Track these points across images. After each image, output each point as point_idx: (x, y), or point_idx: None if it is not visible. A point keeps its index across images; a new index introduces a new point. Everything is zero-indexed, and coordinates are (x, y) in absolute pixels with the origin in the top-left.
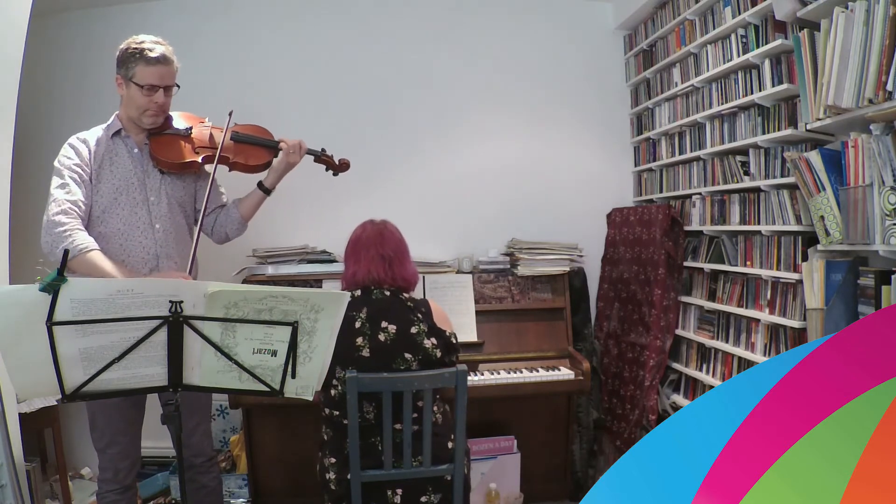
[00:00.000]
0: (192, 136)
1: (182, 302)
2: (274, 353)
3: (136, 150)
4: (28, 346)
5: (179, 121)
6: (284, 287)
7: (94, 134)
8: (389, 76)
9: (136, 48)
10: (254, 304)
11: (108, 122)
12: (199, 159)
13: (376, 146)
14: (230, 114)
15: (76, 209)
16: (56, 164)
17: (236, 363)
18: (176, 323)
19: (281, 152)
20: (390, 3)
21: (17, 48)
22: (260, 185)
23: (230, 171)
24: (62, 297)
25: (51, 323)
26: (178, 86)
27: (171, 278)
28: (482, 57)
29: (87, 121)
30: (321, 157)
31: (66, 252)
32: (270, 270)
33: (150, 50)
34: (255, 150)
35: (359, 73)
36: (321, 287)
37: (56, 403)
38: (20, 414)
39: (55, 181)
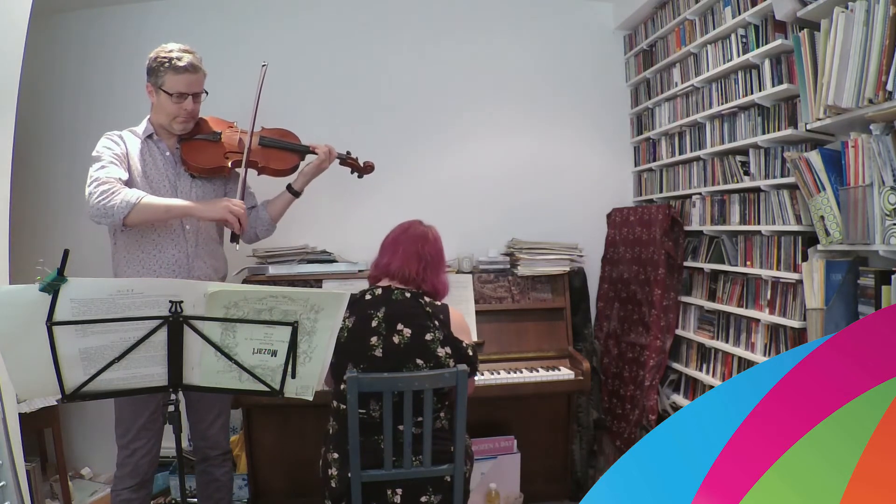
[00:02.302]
0: (222, 141)
1: (182, 302)
2: (274, 353)
3: (167, 154)
4: (28, 346)
5: (209, 126)
6: (284, 287)
7: (127, 135)
8: (388, 77)
9: (164, 57)
10: (254, 304)
11: (141, 127)
12: (229, 164)
13: (375, 147)
14: (263, 66)
15: (117, 182)
16: (94, 153)
17: (236, 363)
18: (176, 323)
19: (316, 158)
20: (391, 4)
21: (17, 48)
22: (289, 187)
23: (259, 174)
24: (62, 297)
25: (51, 323)
26: (207, 92)
27: (223, 204)
28: (482, 57)
29: (87, 120)
30: (347, 160)
31: (66, 252)
32: (270, 270)
33: (179, 59)
34: (283, 154)
35: (358, 75)
36: (321, 287)
37: (56, 403)
38: (20, 414)
39: (95, 166)
